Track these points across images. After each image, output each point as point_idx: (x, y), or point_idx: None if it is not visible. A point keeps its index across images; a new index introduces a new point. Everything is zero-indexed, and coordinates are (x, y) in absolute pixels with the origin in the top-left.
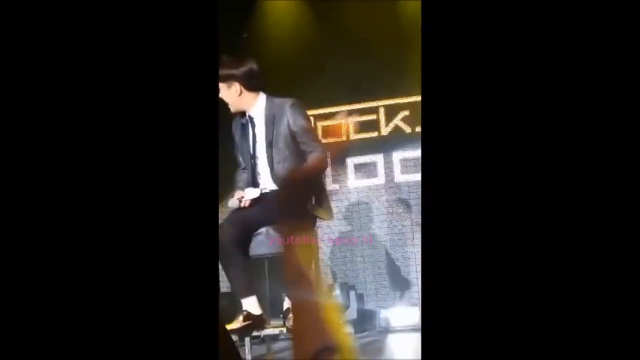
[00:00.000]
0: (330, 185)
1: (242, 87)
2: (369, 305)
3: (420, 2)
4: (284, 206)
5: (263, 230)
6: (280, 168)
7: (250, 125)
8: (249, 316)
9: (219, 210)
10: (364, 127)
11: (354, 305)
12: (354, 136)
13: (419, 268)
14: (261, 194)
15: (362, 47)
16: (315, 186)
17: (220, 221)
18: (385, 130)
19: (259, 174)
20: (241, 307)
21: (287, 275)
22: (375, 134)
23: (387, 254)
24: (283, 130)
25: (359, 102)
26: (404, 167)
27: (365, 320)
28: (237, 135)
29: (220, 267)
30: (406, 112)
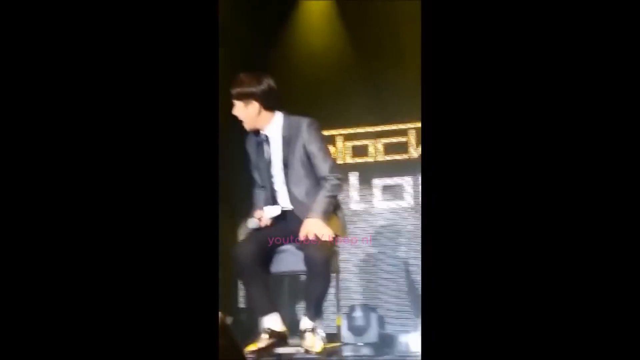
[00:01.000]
0: (356, 205)
1: (260, 106)
2: (389, 329)
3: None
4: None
5: (285, 247)
6: (297, 189)
7: (266, 144)
8: (272, 334)
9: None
10: (392, 148)
11: (374, 328)
12: (382, 157)
13: None
14: (281, 211)
15: (393, 67)
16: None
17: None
18: (415, 153)
19: (277, 192)
20: (260, 325)
21: None
22: (405, 156)
23: (410, 277)
24: (298, 150)
25: (389, 123)
26: None
27: (385, 344)
28: (252, 154)
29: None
30: None
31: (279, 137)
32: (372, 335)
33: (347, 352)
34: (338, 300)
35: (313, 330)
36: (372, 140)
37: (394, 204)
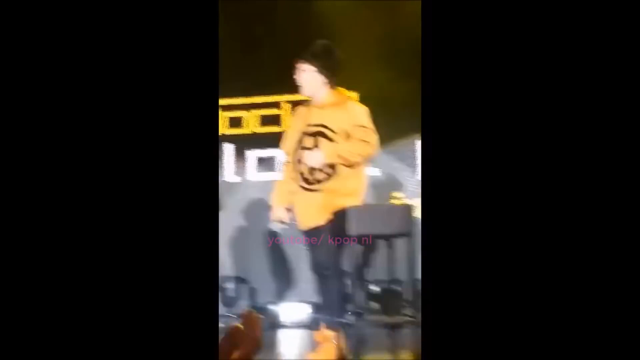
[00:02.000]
0: (232, 178)
1: None
2: (260, 301)
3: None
4: None
5: None
6: None
7: None
8: None
9: None
10: (267, 120)
11: (246, 299)
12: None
13: (309, 265)
14: None
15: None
16: None
17: None
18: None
19: None
20: None
21: None
22: (279, 129)
23: (280, 250)
24: None
25: (263, 95)
26: None
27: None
28: None
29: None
30: None
31: None
32: (243, 306)
33: (221, 323)
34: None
35: None
36: (247, 112)
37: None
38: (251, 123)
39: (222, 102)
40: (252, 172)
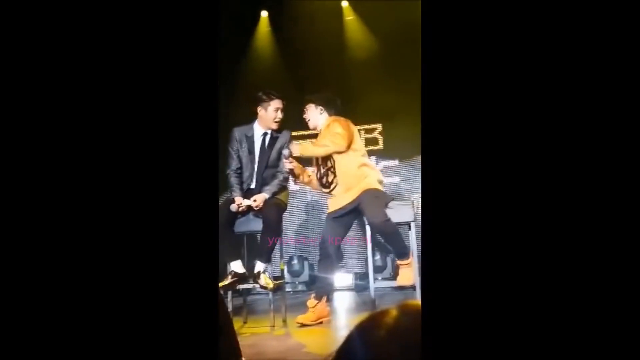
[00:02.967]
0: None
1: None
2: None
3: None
4: None
5: (246, 214)
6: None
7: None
8: (235, 274)
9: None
10: None
11: (306, 271)
12: None
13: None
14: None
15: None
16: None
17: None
18: None
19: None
20: (227, 269)
21: None
22: None
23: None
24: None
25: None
26: None
27: (312, 282)
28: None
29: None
30: None
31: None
32: (304, 276)
33: (288, 288)
34: (281, 252)
35: (265, 271)
36: None
37: None
38: None
39: None
40: None
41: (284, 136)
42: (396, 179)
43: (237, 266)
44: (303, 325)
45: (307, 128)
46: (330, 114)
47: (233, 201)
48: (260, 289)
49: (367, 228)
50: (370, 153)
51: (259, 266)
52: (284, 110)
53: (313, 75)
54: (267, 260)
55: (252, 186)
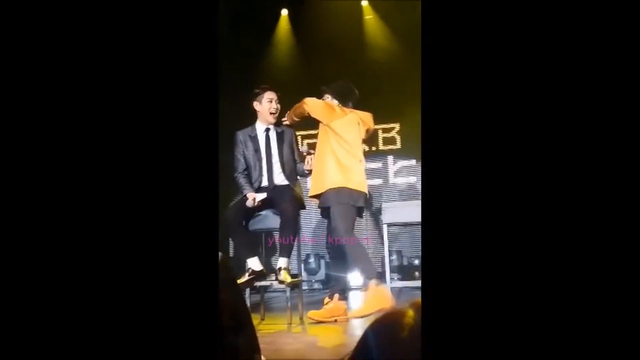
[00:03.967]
0: None
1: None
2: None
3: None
4: None
5: (262, 212)
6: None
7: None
8: (253, 272)
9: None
10: None
11: (322, 269)
12: None
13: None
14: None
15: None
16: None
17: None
18: None
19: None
20: (245, 266)
21: None
22: None
23: None
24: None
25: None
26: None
27: (329, 280)
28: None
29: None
30: None
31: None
32: (321, 274)
33: (304, 286)
34: (299, 250)
35: (285, 268)
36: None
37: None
38: None
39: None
40: None
41: (289, 131)
42: (412, 179)
43: (254, 263)
44: (317, 322)
45: None
46: (346, 106)
47: (247, 198)
48: (277, 286)
49: (384, 227)
50: (388, 152)
51: (282, 262)
52: (279, 102)
53: (332, 74)
54: (288, 256)
55: (264, 184)
